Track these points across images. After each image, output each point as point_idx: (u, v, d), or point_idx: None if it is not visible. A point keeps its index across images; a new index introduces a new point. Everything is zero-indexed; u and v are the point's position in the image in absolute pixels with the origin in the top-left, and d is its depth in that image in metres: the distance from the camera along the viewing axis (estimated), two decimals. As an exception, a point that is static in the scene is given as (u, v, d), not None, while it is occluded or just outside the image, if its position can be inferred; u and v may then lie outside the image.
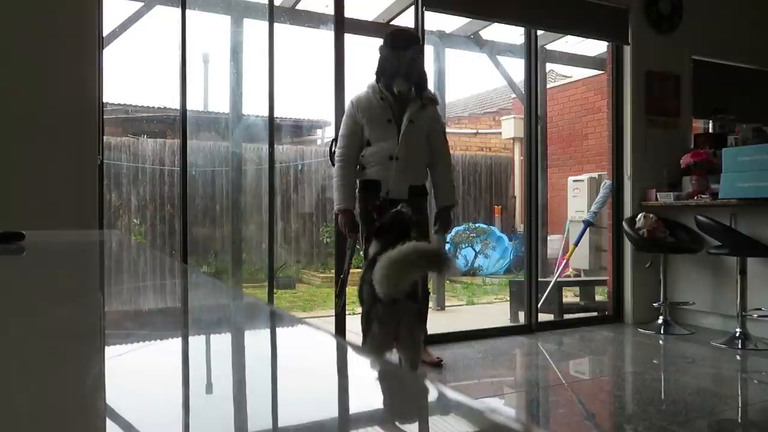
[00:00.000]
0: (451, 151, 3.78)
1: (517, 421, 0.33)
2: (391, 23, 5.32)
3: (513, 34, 6.07)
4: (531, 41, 4.76)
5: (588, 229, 5.90)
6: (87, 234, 2.30)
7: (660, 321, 4.67)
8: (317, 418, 0.34)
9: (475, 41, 6.23)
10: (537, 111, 4.98)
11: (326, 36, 4.29)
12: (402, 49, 3.30)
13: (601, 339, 4.58)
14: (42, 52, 3.18)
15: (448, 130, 4.46)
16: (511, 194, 9.69)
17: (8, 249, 1.23)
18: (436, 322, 4.61)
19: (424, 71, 3.50)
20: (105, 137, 3.63)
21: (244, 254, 6.33)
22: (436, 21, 5.89)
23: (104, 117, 3.49)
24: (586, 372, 4.06)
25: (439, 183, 3.54)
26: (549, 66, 7.48)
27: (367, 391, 0.40)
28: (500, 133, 9.92)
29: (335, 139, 3.86)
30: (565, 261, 5.98)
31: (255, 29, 5.63)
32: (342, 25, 3.98)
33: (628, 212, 4.95)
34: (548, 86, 8.09)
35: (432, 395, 0.38)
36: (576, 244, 5.89)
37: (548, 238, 6.73)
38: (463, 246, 8.68)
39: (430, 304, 4.36)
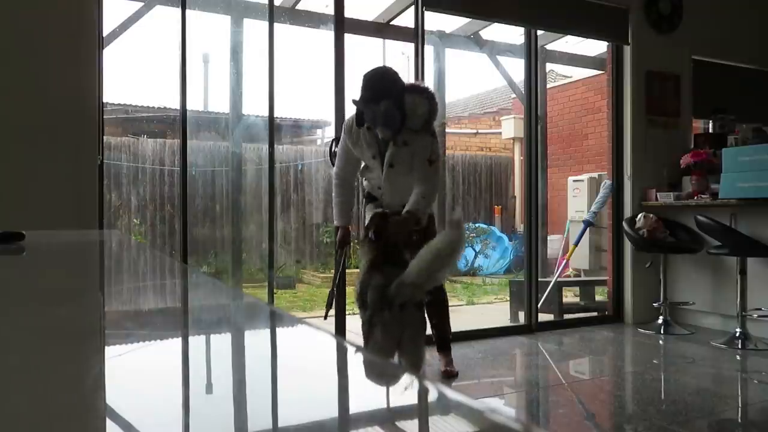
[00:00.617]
0: (451, 152, 3.76)
1: (517, 421, 0.33)
2: (391, 23, 5.32)
3: (513, 34, 6.07)
4: (531, 41, 4.76)
5: (588, 229, 5.90)
6: (87, 234, 2.30)
7: (660, 321, 4.67)
8: (317, 418, 0.34)
9: (475, 41, 6.23)
10: (537, 111, 4.98)
11: (326, 36, 4.29)
12: (374, 103, 3.02)
13: (601, 339, 4.58)
14: (42, 52, 3.18)
15: (447, 130, 4.44)
16: (511, 194, 9.69)
17: (8, 249, 1.23)
18: (436, 322, 4.61)
19: (404, 109, 3.07)
20: (105, 137, 3.63)
21: (244, 254, 6.33)
22: (436, 21, 5.90)
23: (104, 117, 3.49)
24: (586, 372, 4.05)
25: (412, 195, 3.19)
26: (549, 66, 7.47)
27: (367, 391, 0.40)
28: (500, 133, 9.92)
29: (335, 139, 3.86)
30: (565, 261, 5.98)
31: (255, 29, 5.63)
32: (342, 25, 3.98)
33: (628, 212, 4.95)
34: (548, 86, 8.09)
35: (432, 395, 0.38)
36: (576, 244, 5.89)
37: (548, 238, 6.73)
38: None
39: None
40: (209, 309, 0.75)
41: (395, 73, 3.16)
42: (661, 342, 4.44)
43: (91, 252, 1.45)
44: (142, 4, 4.70)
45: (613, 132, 5.07)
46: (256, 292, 6.21)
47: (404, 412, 0.36)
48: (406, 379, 0.41)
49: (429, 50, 6.10)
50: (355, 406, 0.37)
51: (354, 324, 3.24)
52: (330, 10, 4.09)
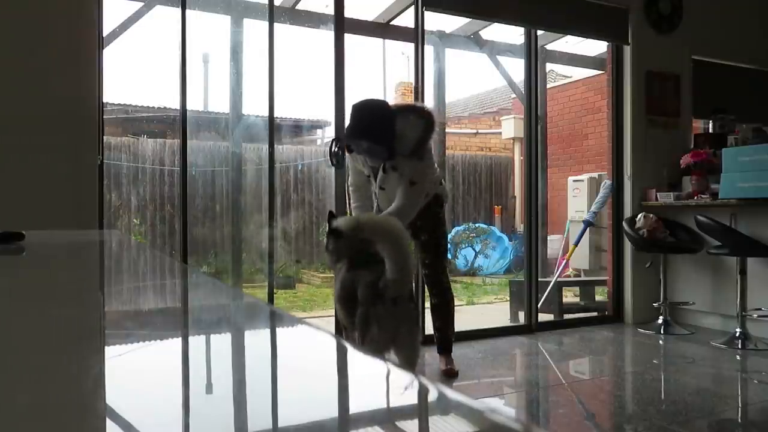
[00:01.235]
0: (451, 152, 3.78)
1: (517, 421, 0.33)
2: (391, 23, 5.32)
3: (513, 34, 6.07)
4: (531, 41, 4.76)
5: (588, 229, 5.90)
6: (87, 234, 2.30)
7: (660, 321, 4.67)
8: (317, 418, 0.34)
9: (475, 41, 6.23)
10: (537, 111, 4.98)
11: (326, 36, 4.29)
12: (358, 139, 3.08)
13: (601, 339, 4.58)
14: (42, 52, 3.18)
15: (447, 130, 4.44)
16: (511, 194, 9.70)
17: (8, 249, 1.23)
18: (436, 322, 4.61)
19: (392, 138, 3.06)
20: (105, 137, 3.63)
21: (244, 254, 6.33)
22: (436, 21, 5.90)
23: (104, 117, 3.49)
24: (586, 372, 4.06)
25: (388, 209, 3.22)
26: (549, 66, 7.47)
27: (367, 391, 0.40)
28: (500, 133, 9.93)
29: (335, 140, 3.86)
30: (565, 261, 5.98)
31: (255, 29, 5.63)
32: (342, 25, 3.98)
33: (628, 212, 4.95)
34: (548, 86, 8.09)
35: (432, 395, 0.38)
36: (576, 244, 5.89)
37: (548, 238, 6.73)
38: (463, 246, 8.68)
39: (429, 305, 4.35)
40: (209, 309, 0.75)
41: (383, 106, 3.15)
42: (661, 342, 4.44)
43: (91, 252, 1.45)
44: (142, 4, 4.70)
45: (613, 132, 5.07)
46: (256, 292, 6.21)
47: (404, 412, 0.36)
48: (406, 378, 0.41)
49: (429, 50, 6.11)
50: (355, 406, 0.37)
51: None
52: (330, 10, 4.09)
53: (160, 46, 10.02)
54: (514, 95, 8.04)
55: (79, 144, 3.27)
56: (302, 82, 12.82)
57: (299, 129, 9.95)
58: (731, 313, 4.29)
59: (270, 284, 4.26)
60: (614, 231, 5.08)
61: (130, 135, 7.90)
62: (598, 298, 5.42)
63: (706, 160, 4.70)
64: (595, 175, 7.26)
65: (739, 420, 2.93)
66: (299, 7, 5.12)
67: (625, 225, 4.81)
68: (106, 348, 0.51)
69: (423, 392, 0.39)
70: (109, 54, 4.13)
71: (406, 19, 4.96)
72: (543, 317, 4.80)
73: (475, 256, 8.68)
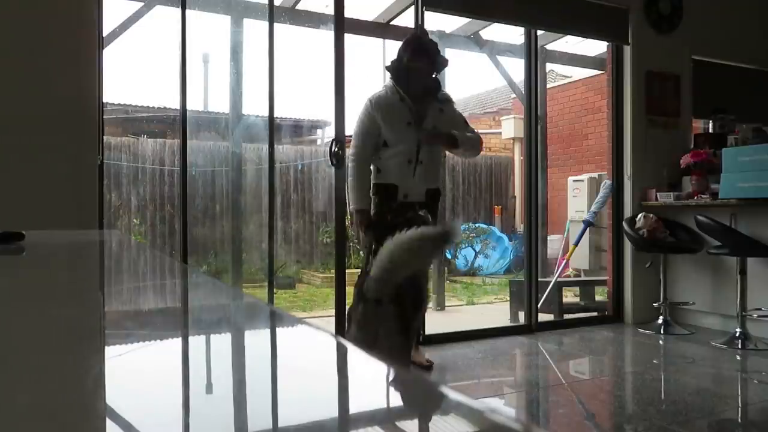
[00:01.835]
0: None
1: (517, 421, 0.33)
2: (391, 23, 5.32)
3: (513, 34, 6.08)
4: (531, 41, 4.76)
5: (588, 229, 5.90)
6: (87, 234, 2.30)
7: (660, 321, 4.67)
8: (317, 418, 0.34)
9: (475, 41, 6.23)
10: (537, 111, 4.98)
11: (326, 36, 4.29)
12: (428, 56, 3.34)
13: (601, 339, 4.58)
14: (42, 52, 3.18)
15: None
16: (511, 194, 9.69)
17: (8, 249, 1.23)
18: (436, 322, 4.61)
19: (437, 77, 3.46)
20: (105, 137, 3.63)
21: (244, 254, 6.33)
22: (436, 21, 5.90)
23: (104, 117, 3.49)
24: (586, 372, 4.06)
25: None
26: (549, 66, 7.47)
27: (367, 391, 0.40)
28: (500, 133, 9.92)
29: (335, 140, 3.86)
30: (565, 261, 5.98)
31: (255, 29, 5.62)
32: (342, 25, 3.98)
33: (628, 212, 4.95)
34: (548, 86, 8.09)
35: (432, 395, 0.38)
36: (576, 244, 5.89)
37: (548, 238, 6.73)
38: (463, 246, 8.68)
39: (430, 305, 4.36)
40: (209, 309, 0.75)
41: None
42: (661, 342, 4.44)
43: (91, 252, 1.45)
44: (142, 4, 4.71)
45: (613, 132, 5.07)
46: (256, 292, 6.21)
47: (404, 412, 0.36)
48: (407, 377, 0.41)
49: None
50: (355, 406, 0.37)
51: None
52: (330, 10, 4.09)
53: (160, 46, 10.02)
54: (514, 95, 8.04)
55: (79, 144, 3.27)
56: (302, 82, 12.81)
57: (299, 129, 9.95)
58: (731, 313, 4.29)
59: (270, 284, 4.26)
60: (614, 231, 5.08)
61: (130, 135, 7.90)
62: (598, 298, 5.42)
63: (706, 160, 4.70)
64: (595, 175, 7.26)
65: (739, 420, 2.93)
66: (299, 7, 5.12)
67: (625, 225, 4.81)
68: (106, 348, 0.51)
69: (423, 392, 0.39)
70: (109, 54, 4.13)
71: (406, 19, 4.97)
72: (543, 317, 4.80)
73: (475, 256, 8.68)
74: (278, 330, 0.60)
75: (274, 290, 4.51)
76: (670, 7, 5.12)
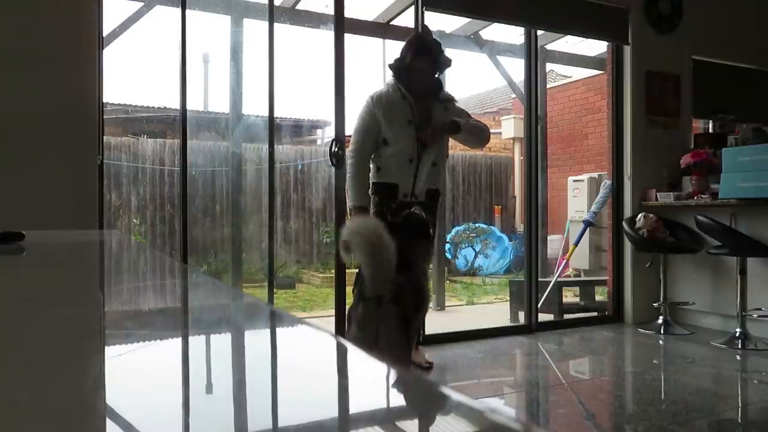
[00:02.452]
0: (451, 151, 3.77)
1: (517, 421, 0.33)
2: (391, 23, 5.32)
3: (513, 34, 6.08)
4: (531, 41, 4.76)
5: (588, 229, 5.90)
6: (87, 234, 2.30)
7: (660, 321, 4.67)
8: (317, 418, 0.34)
9: (475, 41, 6.23)
10: (537, 111, 4.98)
11: (326, 36, 4.30)
12: (430, 56, 3.34)
13: (601, 339, 4.58)
14: (42, 52, 3.18)
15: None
16: (511, 194, 9.69)
17: (8, 249, 1.23)
18: (436, 322, 4.61)
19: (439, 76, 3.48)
20: (105, 137, 3.63)
21: (244, 254, 6.33)
22: (436, 21, 5.90)
23: (104, 117, 3.49)
24: (586, 372, 4.06)
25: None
26: (549, 66, 7.47)
27: (367, 391, 0.40)
28: (500, 133, 9.92)
29: (335, 140, 3.86)
30: (565, 261, 5.98)
31: (255, 29, 5.64)
32: (342, 25, 3.98)
33: (628, 212, 4.95)
34: (548, 86, 8.09)
35: (432, 395, 0.38)
36: (576, 244, 5.89)
37: (548, 238, 6.73)
38: (463, 246, 8.68)
39: (430, 305, 4.36)
40: (209, 309, 0.75)
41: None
42: (661, 342, 4.44)
43: (91, 252, 1.45)
44: (142, 4, 4.71)
45: (613, 132, 5.07)
46: (256, 292, 6.21)
47: (404, 412, 0.36)
48: (408, 377, 0.41)
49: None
50: (355, 406, 0.37)
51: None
52: (330, 10, 4.09)
53: (160, 46, 10.03)
54: (514, 95, 8.04)
55: (79, 144, 3.27)
56: (302, 82, 12.82)
57: (299, 129, 9.95)
58: (731, 313, 4.29)
59: (270, 284, 4.26)
60: (614, 231, 5.08)
61: (130, 135, 7.90)
62: (598, 298, 5.42)
63: (706, 160, 4.70)
64: (595, 175, 7.26)
65: (739, 420, 2.93)
66: (299, 7, 5.12)
67: (625, 225, 4.81)
68: (106, 348, 0.51)
69: (423, 392, 0.39)
70: (109, 54, 4.14)
71: (406, 19, 4.97)
72: (543, 317, 4.80)
73: (475, 256, 8.68)
74: (278, 330, 0.60)
75: (274, 290, 4.51)
76: (670, 7, 5.12)
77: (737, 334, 4.15)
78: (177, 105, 3.79)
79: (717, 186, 4.34)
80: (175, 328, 0.62)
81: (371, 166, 3.38)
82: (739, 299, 4.17)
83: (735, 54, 5.46)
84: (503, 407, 3.09)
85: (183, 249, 4.02)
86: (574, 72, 8.83)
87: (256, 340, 0.58)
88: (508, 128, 9.50)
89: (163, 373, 0.43)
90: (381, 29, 5.45)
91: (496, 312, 5.61)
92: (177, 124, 4.37)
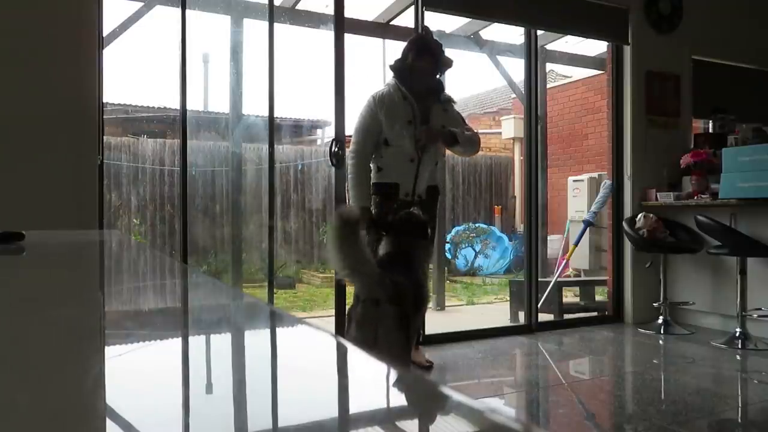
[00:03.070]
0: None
1: (517, 421, 0.33)
2: (391, 23, 5.32)
3: (513, 34, 6.08)
4: (531, 41, 4.76)
5: (588, 229, 5.90)
6: (87, 234, 2.30)
7: (660, 321, 4.67)
8: (317, 418, 0.34)
9: (475, 41, 6.23)
10: (537, 111, 4.98)
11: (326, 36, 4.29)
12: (432, 56, 3.36)
13: (601, 339, 4.58)
14: (42, 52, 3.18)
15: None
16: (511, 194, 9.70)
17: (8, 249, 1.23)
18: (436, 322, 4.61)
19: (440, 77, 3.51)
20: (105, 137, 3.63)
21: (244, 254, 6.33)
22: (436, 21, 5.90)
23: (104, 117, 3.49)
24: (586, 372, 4.06)
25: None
26: (549, 66, 7.47)
27: (367, 391, 0.40)
28: (500, 133, 9.93)
29: (335, 140, 3.86)
30: (565, 261, 5.98)
31: (255, 29, 5.62)
32: (342, 25, 3.98)
33: (628, 212, 4.95)
34: (548, 86, 8.09)
35: (432, 395, 0.38)
36: (576, 244, 5.89)
37: (548, 238, 6.73)
38: (463, 246, 8.68)
39: (430, 305, 4.36)
40: (209, 309, 0.75)
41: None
42: (661, 342, 4.44)
43: (91, 252, 1.45)
44: (142, 4, 4.71)
45: (613, 132, 5.07)
46: (256, 292, 6.21)
47: (404, 412, 0.36)
48: (408, 377, 0.41)
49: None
50: (355, 406, 0.37)
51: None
52: (330, 10, 4.09)
53: (160, 46, 10.03)
54: (514, 95, 8.04)
55: (79, 144, 3.27)
56: (302, 82, 12.82)
57: (299, 129, 9.95)
58: (731, 313, 4.29)
59: (270, 284, 4.26)
60: (614, 231, 5.08)
61: (130, 135, 7.90)
62: (598, 298, 5.42)
63: (706, 160, 4.70)
64: (595, 175, 7.26)
65: (739, 420, 2.93)
66: (299, 7, 5.12)
67: (625, 225, 4.81)
68: (106, 348, 0.51)
69: (423, 392, 0.39)
70: (109, 54, 4.14)
71: (406, 19, 4.97)
72: (543, 317, 4.80)
73: (475, 256, 8.68)
74: (278, 330, 0.60)
75: (274, 290, 4.51)
76: (670, 7, 5.12)
77: (737, 334, 4.15)
78: (177, 105, 3.79)
79: (717, 186, 4.34)
80: (175, 328, 0.62)
81: (372, 166, 3.38)
82: (739, 299, 4.17)
83: (735, 54, 5.46)
84: (503, 407, 3.09)
85: (183, 249, 4.02)
86: (574, 72, 8.83)
87: (256, 340, 0.58)
88: (508, 128, 9.50)
89: (163, 373, 0.43)
90: (381, 29, 5.45)
91: (496, 312, 5.61)
92: (177, 124, 4.37)
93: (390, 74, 3.45)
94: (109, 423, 0.32)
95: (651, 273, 4.84)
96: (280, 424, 0.34)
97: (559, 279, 5.33)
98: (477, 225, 8.99)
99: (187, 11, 3.71)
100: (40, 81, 3.18)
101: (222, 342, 0.57)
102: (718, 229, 4.20)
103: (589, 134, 8.54)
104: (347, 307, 4.01)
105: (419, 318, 2.92)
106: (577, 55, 6.67)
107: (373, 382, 0.41)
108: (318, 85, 10.39)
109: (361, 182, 3.34)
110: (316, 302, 6.56)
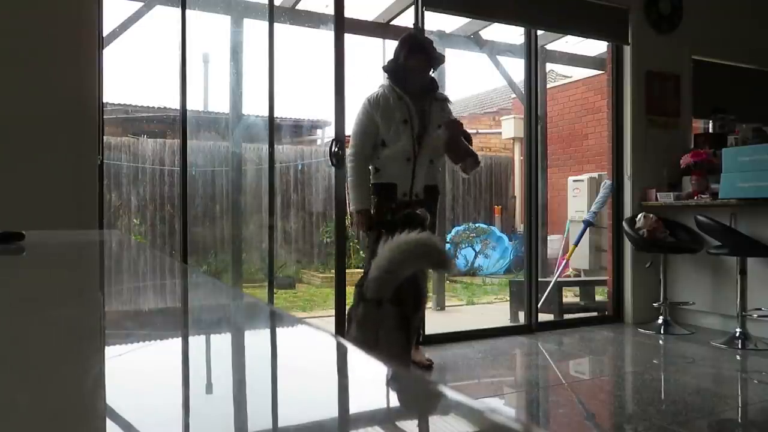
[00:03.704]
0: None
1: (517, 421, 0.33)
2: (391, 23, 5.32)
3: (513, 34, 6.08)
4: (531, 41, 4.76)
5: (588, 229, 5.90)
6: (87, 234, 2.30)
7: (660, 321, 4.67)
8: (317, 418, 0.34)
9: (475, 41, 6.23)
10: (537, 111, 4.98)
11: (326, 36, 4.29)
12: (424, 53, 3.37)
13: (601, 339, 4.58)
14: (42, 52, 3.18)
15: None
16: (511, 194, 9.69)
17: (8, 249, 1.23)
18: (436, 322, 4.61)
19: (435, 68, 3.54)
20: (105, 137, 3.63)
21: (244, 254, 6.33)
22: (436, 21, 5.90)
23: (104, 117, 3.49)
24: (586, 372, 4.06)
25: None
26: (549, 66, 7.47)
27: (367, 391, 0.40)
28: (500, 133, 9.92)
29: (335, 140, 3.86)
30: (565, 261, 5.98)
31: (255, 29, 5.62)
32: (342, 25, 3.98)
33: (628, 212, 4.95)
34: (548, 86, 8.09)
35: (432, 395, 0.38)
36: (576, 244, 5.88)
37: (548, 238, 6.73)
38: (463, 246, 8.68)
39: (430, 305, 4.37)
40: (209, 309, 0.75)
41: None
42: (661, 342, 4.44)
43: (91, 252, 1.45)
44: (142, 4, 4.71)
45: (613, 132, 5.07)
46: (256, 292, 6.21)
47: (404, 412, 0.36)
48: (407, 377, 0.41)
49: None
50: (355, 406, 0.37)
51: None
52: (330, 10, 4.09)
53: (160, 46, 10.02)
54: (514, 95, 8.04)
55: (79, 144, 3.27)
56: (302, 82, 12.81)
57: (299, 129, 9.95)
58: (731, 313, 4.29)
59: (270, 284, 4.26)
60: (614, 231, 5.08)
61: (130, 135, 7.90)
62: (598, 298, 5.42)
63: (706, 160, 4.70)
64: (595, 175, 7.26)
65: (739, 420, 2.93)
66: (299, 7, 5.12)
67: (625, 225, 4.81)
68: (106, 348, 0.51)
69: (423, 392, 0.39)
70: (109, 54, 4.14)
71: (406, 19, 4.97)
72: (543, 317, 4.80)
73: (475, 256, 8.68)
74: (278, 330, 0.60)
75: (274, 290, 4.51)
76: (670, 7, 5.12)
77: (737, 334, 4.15)
78: (177, 105, 3.80)
79: (717, 186, 4.34)
80: (175, 328, 0.62)
81: (370, 167, 3.39)
82: (739, 299, 4.17)
83: (735, 54, 5.46)
84: (503, 407, 3.09)
85: (183, 249, 4.02)
86: (574, 72, 8.83)
87: (256, 340, 0.58)
88: (508, 128, 9.50)
89: (163, 373, 0.43)
90: (381, 29, 5.45)
91: (496, 312, 5.61)
92: (177, 124, 4.37)
93: (385, 76, 3.46)
94: (109, 423, 0.32)
95: (651, 273, 4.84)
96: (280, 424, 0.34)
97: (559, 279, 5.33)
98: (477, 225, 8.99)
99: (187, 11, 3.71)
100: (40, 81, 3.18)
101: (222, 342, 0.57)
102: (718, 229, 4.20)
103: (589, 134, 8.54)
104: (347, 308, 4.02)
105: (418, 318, 2.92)
106: (577, 55, 6.67)
107: (373, 382, 0.41)
108: (318, 85, 10.39)
109: (360, 184, 3.35)
110: (316, 302, 6.56)
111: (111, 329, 0.59)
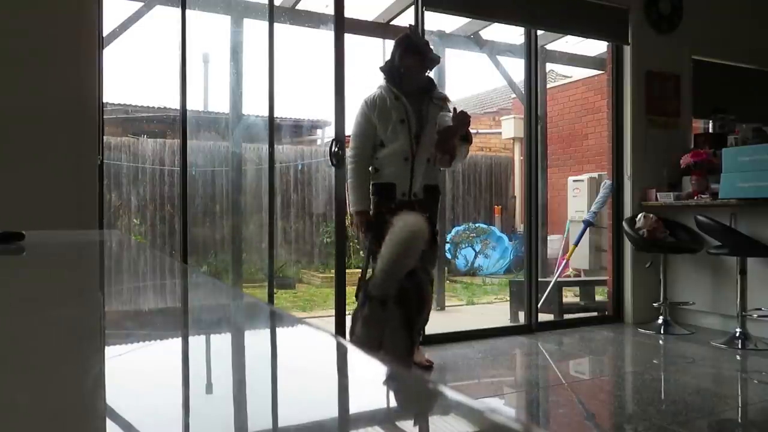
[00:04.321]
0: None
1: (517, 421, 0.33)
2: (391, 23, 5.32)
3: (513, 34, 6.08)
4: (531, 41, 4.76)
5: (588, 229, 5.90)
6: (87, 234, 2.30)
7: (660, 321, 4.67)
8: (317, 418, 0.34)
9: (475, 41, 6.23)
10: (537, 111, 4.98)
11: (326, 36, 4.29)
12: (419, 54, 3.37)
13: (601, 339, 4.58)
14: (42, 52, 3.18)
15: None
16: (511, 194, 9.69)
17: (8, 249, 1.23)
18: (436, 322, 4.61)
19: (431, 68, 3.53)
20: (105, 137, 3.63)
21: (244, 254, 6.33)
22: (436, 21, 5.90)
23: (104, 117, 3.49)
24: (586, 372, 4.06)
25: None
26: (549, 66, 7.47)
27: (367, 391, 0.40)
28: (500, 133, 9.92)
29: (335, 140, 3.86)
30: (565, 261, 5.98)
31: (255, 29, 5.63)
32: (342, 25, 3.98)
33: (628, 212, 4.95)
34: (548, 86, 8.09)
35: (432, 395, 0.38)
36: (576, 244, 5.88)
37: (548, 238, 6.73)
38: (463, 246, 8.68)
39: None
40: (209, 309, 0.75)
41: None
42: (661, 342, 4.44)
43: (91, 252, 1.45)
44: (142, 4, 4.71)
45: (613, 132, 5.07)
46: (256, 292, 6.21)
47: (404, 412, 0.36)
48: (407, 377, 0.41)
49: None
50: (355, 406, 0.37)
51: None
52: (330, 10, 4.09)
53: (160, 46, 10.02)
54: (514, 95, 8.04)
55: (79, 144, 3.27)
56: (302, 82, 12.81)
57: (299, 129, 9.95)
58: (731, 313, 4.29)
59: (270, 284, 4.26)
60: (614, 231, 5.08)
61: (130, 135, 7.90)
62: (598, 298, 5.42)
63: (706, 160, 4.70)
64: (595, 175, 7.26)
65: (739, 420, 2.93)
66: (299, 7, 5.12)
67: (625, 225, 4.81)
68: (106, 348, 0.51)
69: (423, 392, 0.39)
70: (109, 54, 4.14)
71: (406, 19, 4.96)
72: (543, 317, 4.80)
73: (475, 256, 8.68)
74: (278, 330, 0.60)
75: (274, 290, 4.51)
76: (670, 7, 5.12)
77: (737, 334, 4.15)
78: (177, 105, 3.80)
79: (717, 186, 4.34)
80: (175, 328, 0.62)
81: (369, 168, 3.40)
82: (739, 299, 4.17)
83: (735, 54, 5.46)
84: (503, 407, 3.09)
85: (183, 249, 4.02)
86: (574, 72, 8.83)
87: (256, 340, 0.58)
88: (508, 128, 9.50)
89: (163, 373, 0.43)
90: (381, 29, 5.45)
91: (496, 312, 5.61)
92: (177, 124, 4.37)
93: (382, 77, 3.46)
94: (109, 423, 0.32)
95: (651, 273, 4.84)
96: (280, 424, 0.34)
97: (559, 279, 5.33)
98: (477, 225, 8.99)
99: (187, 11, 3.71)
100: (40, 81, 3.18)
101: (222, 342, 0.57)
102: (718, 229, 4.20)
103: (589, 134, 8.54)
104: (347, 308, 4.02)
105: (421, 320, 2.93)
106: (577, 55, 6.67)
107: (373, 382, 0.41)
108: (318, 85, 10.39)
109: (360, 185, 3.36)
110: (316, 302, 6.56)
111: (111, 329, 0.59)
